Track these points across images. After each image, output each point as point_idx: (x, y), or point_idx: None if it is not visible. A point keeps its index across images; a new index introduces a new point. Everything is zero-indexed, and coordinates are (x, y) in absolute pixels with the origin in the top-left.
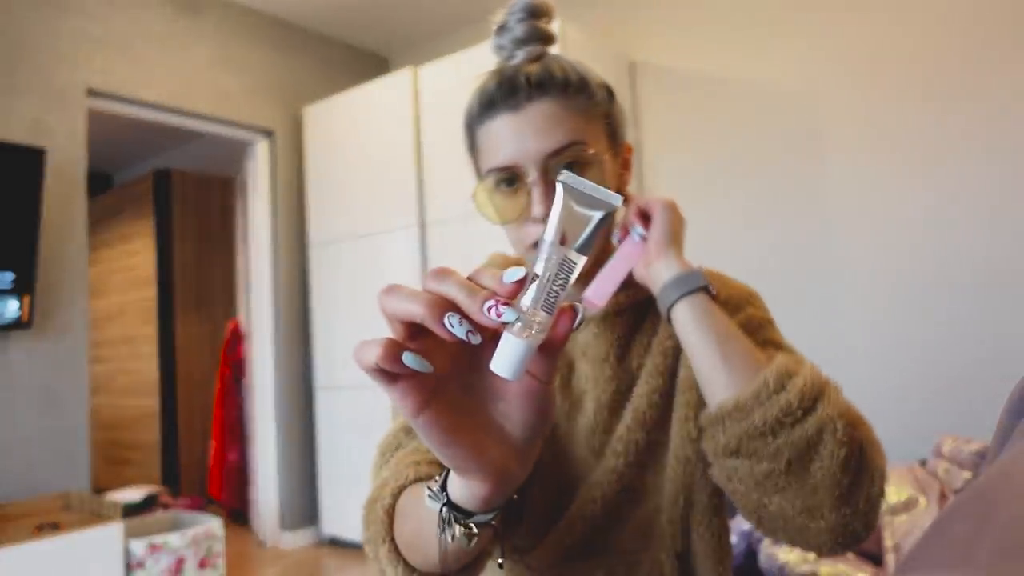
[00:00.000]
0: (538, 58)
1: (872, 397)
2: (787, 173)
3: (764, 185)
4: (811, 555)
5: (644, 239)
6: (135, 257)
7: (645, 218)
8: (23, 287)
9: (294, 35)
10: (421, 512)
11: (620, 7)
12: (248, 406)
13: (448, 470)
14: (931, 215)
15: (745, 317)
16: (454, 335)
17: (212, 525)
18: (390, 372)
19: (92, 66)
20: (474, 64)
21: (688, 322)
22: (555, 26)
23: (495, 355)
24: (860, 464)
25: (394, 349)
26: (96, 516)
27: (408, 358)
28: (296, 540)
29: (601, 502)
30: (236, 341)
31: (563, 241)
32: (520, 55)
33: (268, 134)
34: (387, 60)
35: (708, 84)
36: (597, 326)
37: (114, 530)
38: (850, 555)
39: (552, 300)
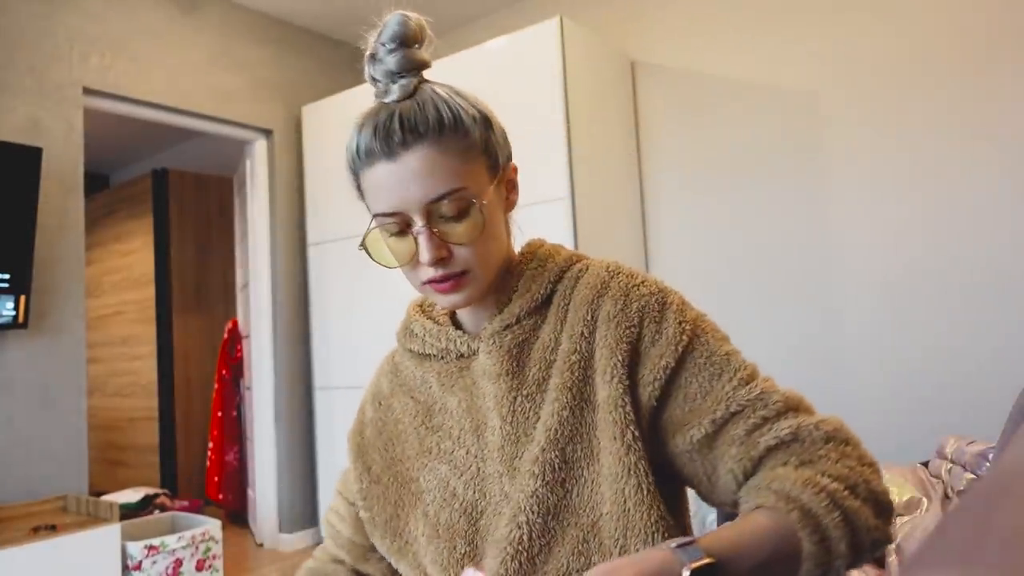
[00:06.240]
0: (413, 93)
1: (874, 398)
2: (787, 173)
3: (764, 185)
4: None
5: None
6: (133, 257)
7: None
8: (19, 287)
9: (293, 34)
10: None
11: (620, 7)
12: (246, 407)
13: None
14: (932, 215)
15: (672, 337)
16: None
17: (210, 527)
18: None
19: (89, 64)
20: (474, 64)
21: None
22: (429, 51)
23: None
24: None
25: None
26: (93, 518)
27: None
28: (295, 542)
29: (527, 527)
30: (234, 341)
31: None
32: (395, 91)
33: (267, 133)
34: None
35: (708, 84)
36: (487, 345)
37: (111, 532)
38: None
39: None
